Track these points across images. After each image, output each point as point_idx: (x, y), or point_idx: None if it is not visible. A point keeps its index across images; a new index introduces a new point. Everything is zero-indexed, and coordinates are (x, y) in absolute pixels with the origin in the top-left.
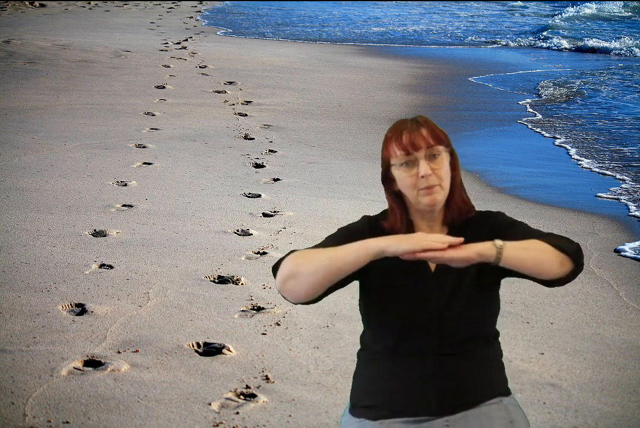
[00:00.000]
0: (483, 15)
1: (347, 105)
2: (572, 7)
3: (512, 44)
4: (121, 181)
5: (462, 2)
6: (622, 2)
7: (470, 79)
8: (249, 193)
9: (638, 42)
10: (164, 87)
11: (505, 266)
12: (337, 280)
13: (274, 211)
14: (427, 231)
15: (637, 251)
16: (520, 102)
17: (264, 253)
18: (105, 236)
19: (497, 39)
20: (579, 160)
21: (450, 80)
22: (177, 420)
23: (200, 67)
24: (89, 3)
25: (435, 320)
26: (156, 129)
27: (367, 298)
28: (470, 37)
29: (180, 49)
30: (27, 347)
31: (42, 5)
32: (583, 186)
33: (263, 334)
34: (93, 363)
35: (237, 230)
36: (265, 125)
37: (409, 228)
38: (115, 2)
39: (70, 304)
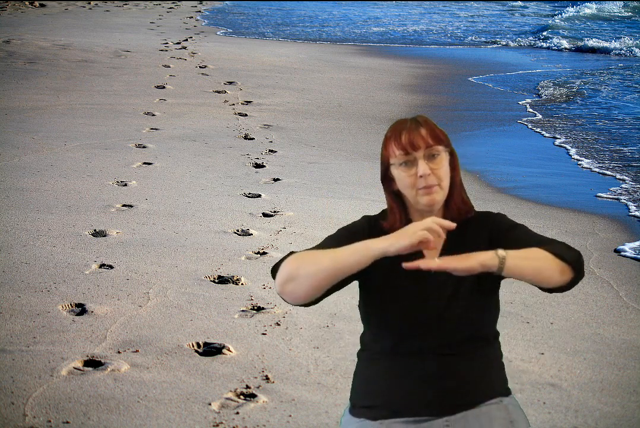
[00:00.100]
0: (483, 15)
1: (347, 105)
2: (572, 7)
3: (512, 44)
4: (121, 181)
5: (462, 2)
6: (622, 2)
7: (470, 79)
8: (249, 193)
9: (638, 42)
10: (164, 87)
11: (507, 275)
12: (338, 282)
13: (274, 211)
14: None
15: (637, 251)
16: (520, 102)
17: (264, 253)
18: (105, 236)
19: (497, 39)
20: (579, 160)
21: (450, 80)
22: (177, 420)
23: (200, 67)
24: (89, 3)
25: (435, 321)
26: (156, 129)
27: (367, 298)
28: (470, 37)
29: (180, 49)
30: (27, 347)
31: (42, 5)
32: (583, 186)
33: (263, 334)
34: (93, 363)
35: (237, 230)
36: (265, 125)
37: None
38: (115, 2)
39: (70, 304)
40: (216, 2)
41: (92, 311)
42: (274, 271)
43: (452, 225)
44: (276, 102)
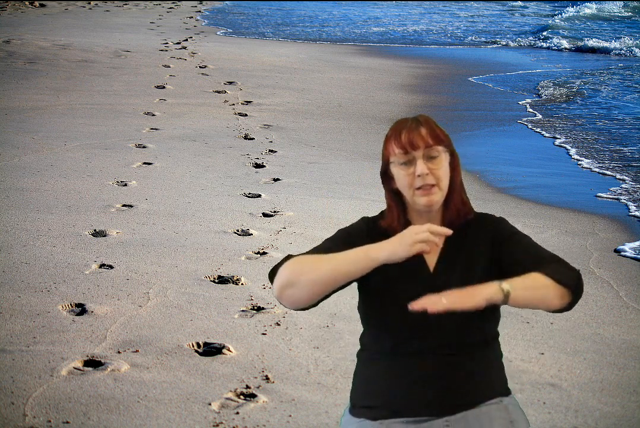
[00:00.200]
0: (483, 15)
1: (347, 105)
2: (572, 7)
3: (512, 44)
4: (121, 181)
5: (462, 2)
6: (622, 2)
7: (470, 79)
8: (249, 193)
9: (638, 42)
10: (164, 87)
11: (510, 305)
12: (337, 288)
13: (274, 211)
14: None
15: (637, 251)
16: (520, 102)
17: (264, 253)
18: (105, 236)
19: (497, 39)
20: (579, 160)
21: (450, 80)
22: (177, 420)
23: (200, 67)
24: (89, 3)
25: (435, 323)
26: (156, 129)
27: (366, 300)
28: (470, 37)
29: (180, 49)
30: (27, 347)
31: (42, 5)
32: (583, 186)
33: (263, 334)
34: (93, 363)
35: (237, 230)
36: (265, 125)
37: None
38: (115, 2)
39: (70, 304)
40: (216, 2)
41: (92, 311)
42: (272, 274)
43: (448, 232)
44: (276, 102)
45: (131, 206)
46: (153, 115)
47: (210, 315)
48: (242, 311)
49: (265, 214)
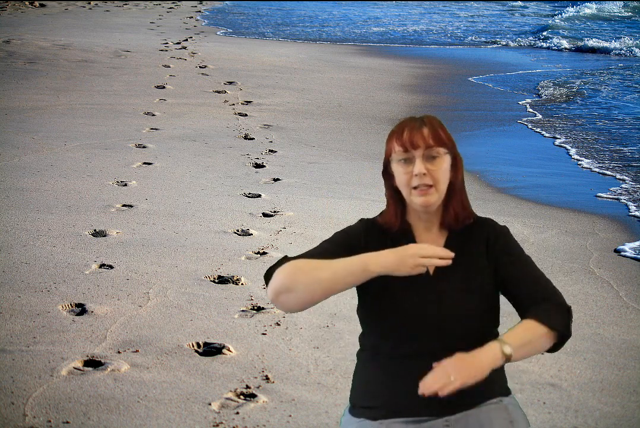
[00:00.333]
0: (483, 15)
1: (347, 105)
2: (572, 7)
3: (512, 44)
4: (121, 181)
5: (462, 2)
6: (622, 2)
7: (470, 79)
8: (249, 193)
9: (638, 42)
10: (164, 87)
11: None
12: (333, 294)
13: (274, 211)
14: (424, 233)
15: (637, 251)
16: (520, 102)
17: (264, 253)
18: (105, 236)
19: (497, 39)
20: (579, 160)
21: (450, 80)
22: (177, 420)
23: (200, 67)
24: (89, 3)
25: (435, 326)
26: (156, 129)
27: (365, 305)
28: (470, 37)
29: (180, 49)
30: (27, 347)
31: (42, 5)
32: (583, 186)
33: (263, 334)
34: (93, 363)
35: (237, 230)
36: (265, 125)
37: (406, 228)
38: (115, 2)
39: (70, 304)
40: (216, 2)
41: (92, 311)
42: (267, 276)
43: (450, 255)
44: (276, 102)
45: (131, 206)
46: (153, 115)
47: (210, 315)
48: (242, 311)
49: (265, 214)
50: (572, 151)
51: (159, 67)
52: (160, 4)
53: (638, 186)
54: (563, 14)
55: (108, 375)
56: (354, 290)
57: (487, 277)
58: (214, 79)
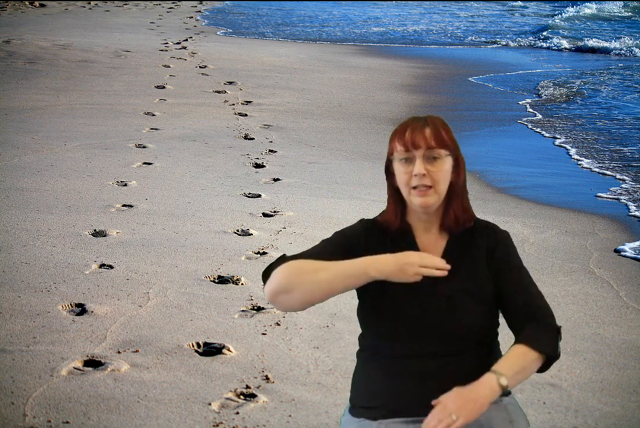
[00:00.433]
0: (483, 15)
1: (347, 105)
2: (572, 7)
3: (512, 44)
4: (121, 181)
5: (462, 2)
6: (622, 2)
7: (470, 79)
8: (249, 193)
9: (638, 42)
10: (164, 87)
11: None
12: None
13: (274, 211)
14: (424, 234)
15: (637, 251)
16: (520, 102)
17: (264, 253)
18: (105, 236)
19: (497, 39)
20: (579, 160)
21: (450, 80)
22: (177, 420)
23: (200, 67)
24: (89, 3)
25: (435, 328)
26: (156, 129)
27: (364, 306)
28: (470, 37)
29: (180, 49)
30: (27, 347)
31: (42, 5)
32: (583, 186)
33: (263, 334)
34: (93, 363)
35: (237, 230)
36: (265, 125)
37: (405, 228)
38: (115, 2)
39: (70, 304)
40: (216, 2)
41: (92, 311)
42: (265, 275)
43: (447, 267)
44: (276, 102)
45: (131, 206)
46: (153, 115)
47: (210, 315)
48: (242, 311)
49: (265, 214)
50: (572, 151)
51: (159, 67)
52: (160, 4)
53: (638, 186)
54: (563, 14)
55: (108, 375)
56: (354, 290)
57: (487, 281)
58: (214, 79)
